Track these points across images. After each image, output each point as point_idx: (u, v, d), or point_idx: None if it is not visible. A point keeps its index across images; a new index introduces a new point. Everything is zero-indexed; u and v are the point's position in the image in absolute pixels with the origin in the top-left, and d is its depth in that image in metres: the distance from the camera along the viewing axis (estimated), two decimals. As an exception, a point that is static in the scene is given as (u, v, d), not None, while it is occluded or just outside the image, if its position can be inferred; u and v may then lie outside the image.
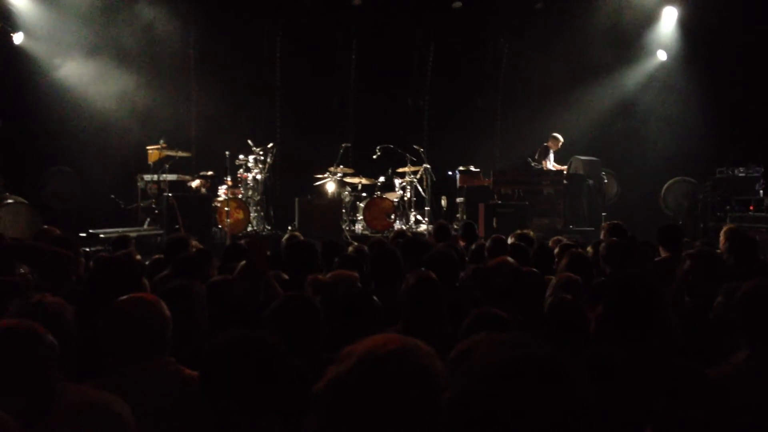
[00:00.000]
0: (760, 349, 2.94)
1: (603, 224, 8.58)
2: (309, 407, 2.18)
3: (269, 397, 2.37)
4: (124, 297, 3.07)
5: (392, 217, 12.82)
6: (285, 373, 2.42)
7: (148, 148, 12.81)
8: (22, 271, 5.06)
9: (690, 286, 4.57)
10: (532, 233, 7.37)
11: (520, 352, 1.55)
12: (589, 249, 6.20)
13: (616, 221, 7.63)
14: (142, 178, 12.84)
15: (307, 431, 1.73)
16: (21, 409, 2.29)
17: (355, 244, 7.15)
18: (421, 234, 11.77)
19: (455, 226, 12.17)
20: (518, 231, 7.40)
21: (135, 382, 2.86)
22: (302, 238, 6.67)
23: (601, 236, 7.26)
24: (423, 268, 4.11)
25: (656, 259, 5.87)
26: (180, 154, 12.79)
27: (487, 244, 6.45)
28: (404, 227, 12.70)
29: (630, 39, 14.92)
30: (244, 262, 4.29)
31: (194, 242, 6.50)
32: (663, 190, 14.55)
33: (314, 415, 1.67)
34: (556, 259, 5.73)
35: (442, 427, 1.57)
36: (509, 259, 4.24)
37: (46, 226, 7.31)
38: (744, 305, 3.02)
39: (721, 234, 6.49)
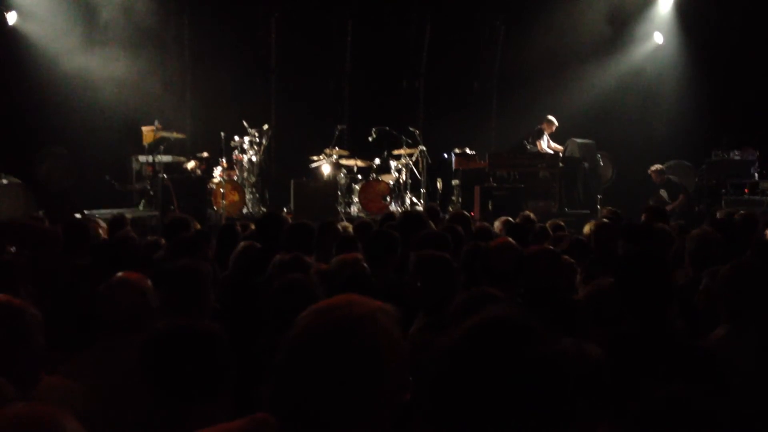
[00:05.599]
0: (739, 325, 3.19)
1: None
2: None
3: (205, 387, 2.34)
4: (118, 276, 3.25)
5: (388, 199, 12.80)
6: (223, 364, 2.38)
7: (143, 128, 12.75)
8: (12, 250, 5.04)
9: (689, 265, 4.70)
10: (533, 215, 7.40)
11: (491, 314, 1.59)
12: (585, 230, 6.24)
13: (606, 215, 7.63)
14: (137, 160, 12.79)
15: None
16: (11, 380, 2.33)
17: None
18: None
19: (450, 209, 12.17)
20: (525, 213, 7.44)
21: (118, 353, 2.94)
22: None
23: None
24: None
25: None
26: (175, 135, 12.74)
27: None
28: (399, 209, 12.70)
29: (626, 22, 14.88)
30: None
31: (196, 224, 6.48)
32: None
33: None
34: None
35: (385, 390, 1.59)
36: (510, 239, 4.24)
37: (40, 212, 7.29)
38: (725, 283, 3.25)
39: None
